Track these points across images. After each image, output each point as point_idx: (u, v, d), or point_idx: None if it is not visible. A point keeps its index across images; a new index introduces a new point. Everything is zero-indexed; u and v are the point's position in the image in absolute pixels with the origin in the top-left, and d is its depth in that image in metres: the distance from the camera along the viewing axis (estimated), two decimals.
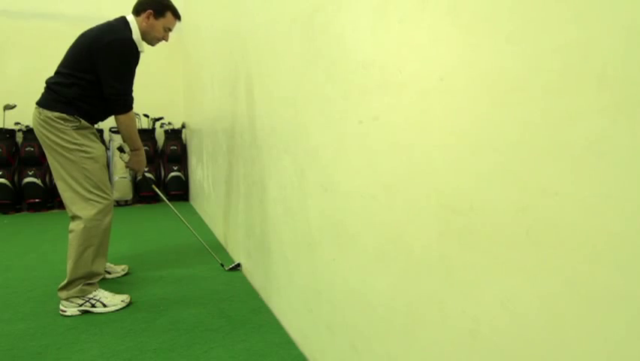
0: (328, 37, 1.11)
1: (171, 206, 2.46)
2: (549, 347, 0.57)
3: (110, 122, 5.88)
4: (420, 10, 0.77)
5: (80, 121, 1.81)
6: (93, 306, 1.75)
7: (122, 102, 1.85)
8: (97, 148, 1.85)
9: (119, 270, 2.25)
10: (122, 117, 1.89)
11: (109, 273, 2.21)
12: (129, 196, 5.29)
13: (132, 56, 1.82)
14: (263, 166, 1.77)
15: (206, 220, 3.83)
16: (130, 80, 1.87)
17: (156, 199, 5.37)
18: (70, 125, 1.79)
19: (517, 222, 0.61)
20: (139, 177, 2.18)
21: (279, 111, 1.51)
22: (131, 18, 1.90)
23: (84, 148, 1.80)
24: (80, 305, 1.75)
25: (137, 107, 5.00)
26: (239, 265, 2.30)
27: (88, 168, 1.79)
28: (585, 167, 0.51)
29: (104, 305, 1.76)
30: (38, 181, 4.85)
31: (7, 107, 4.78)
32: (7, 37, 5.18)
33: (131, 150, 2.05)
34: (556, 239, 0.55)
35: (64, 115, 1.78)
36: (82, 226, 1.75)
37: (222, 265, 2.32)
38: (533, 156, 0.58)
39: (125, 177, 5.27)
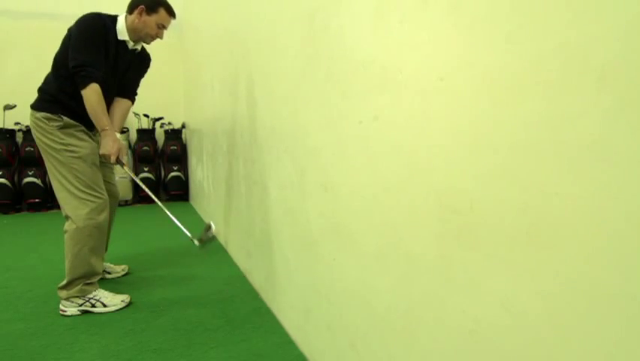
0: (328, 36, 1.11)
1: (152, 195, 2.11)
2: (549, 347, 0.57)
3: None
4: (420, 10, 0.77)
5: (63, 119, 1.78)
6: (93, 306, 1.76)
7: (83, 74, 1.71)
8: (84, 147, 1.80)
9: (118, 270, 2.25)
10: (85, 92, 1.72)
11: (109, 273, 2.21)
12: (129, 196, 5.28)
13: (95, 29, 1.77)
14: (263, 166, 1.77)
15: (206, 220, 3.82)
16: (93, 53, 1.74)
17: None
18: (55, 124, 1.77)
19: (517, 222, 0.61)
20: (113, 163, 1.86)
21: (279, 111, 1.51)
22: (122, 15, 1.89)
23: (70, 148, 1.77)
24: (80, 305, 1.75)
25: (137, 107, 4.97)
26: (210, 227, 1.96)
27: (77, 168, 1.76)
28: (585, 167, 0.51)
29: (104, 305, 1.76)
30: (38, 181, 4.85)
31: (7, 107, 4.78)
32: (7, 37, 5.18)
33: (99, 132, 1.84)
34: (556, 239, 0.55)
35: (48, 114, 1.77)
36: (74, 226, 1.74)
37: (192, 240, 1.94)
38: (533, 156, 0.58)
39: (124, 177, 5.26)
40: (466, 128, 0.69)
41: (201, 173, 4.06)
